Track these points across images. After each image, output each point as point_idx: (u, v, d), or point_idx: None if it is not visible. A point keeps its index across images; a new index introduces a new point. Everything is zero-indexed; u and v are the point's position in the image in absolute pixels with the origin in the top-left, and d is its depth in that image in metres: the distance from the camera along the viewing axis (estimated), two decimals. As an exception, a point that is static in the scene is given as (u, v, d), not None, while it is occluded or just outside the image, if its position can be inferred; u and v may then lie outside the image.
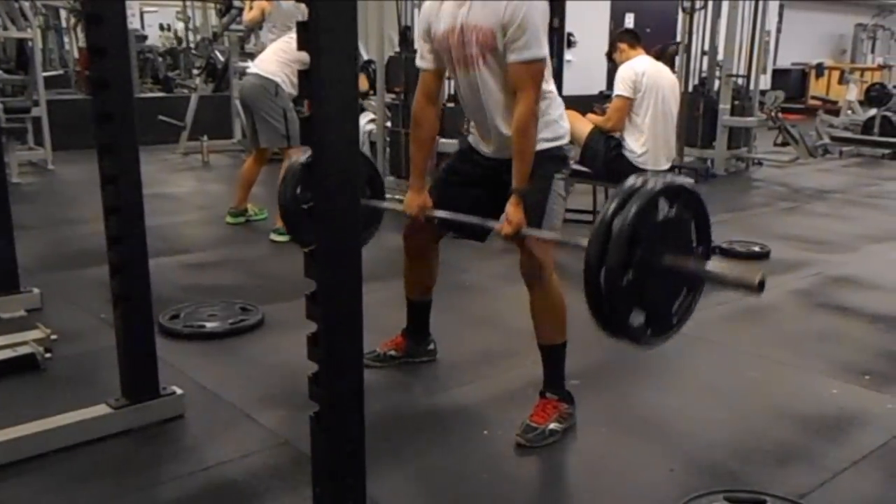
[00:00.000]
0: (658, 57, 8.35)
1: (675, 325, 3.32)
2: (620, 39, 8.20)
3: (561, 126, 4.42)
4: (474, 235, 4.68)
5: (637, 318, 3.18)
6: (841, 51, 30.86)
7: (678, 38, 13.71)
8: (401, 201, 4.68)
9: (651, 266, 3.11)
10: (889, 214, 10.55)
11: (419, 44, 4.52)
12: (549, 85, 4.33)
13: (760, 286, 3.03)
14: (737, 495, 3.72)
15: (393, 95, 9.67)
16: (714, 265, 3.27)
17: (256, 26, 11.07)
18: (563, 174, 4.40)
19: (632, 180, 3.20)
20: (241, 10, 12.17)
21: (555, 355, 4.40)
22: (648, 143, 7.52)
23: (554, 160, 4.33)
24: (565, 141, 4.43)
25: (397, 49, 9.88)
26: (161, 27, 20.77)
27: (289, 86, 7.90)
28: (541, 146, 4.21)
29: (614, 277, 3.07)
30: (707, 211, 3.33)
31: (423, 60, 4.49)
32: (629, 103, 7.68)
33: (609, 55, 8.35)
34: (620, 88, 7.72)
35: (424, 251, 4.85)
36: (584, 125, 7.94)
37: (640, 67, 7.67)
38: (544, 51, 4.06)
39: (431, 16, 4.34)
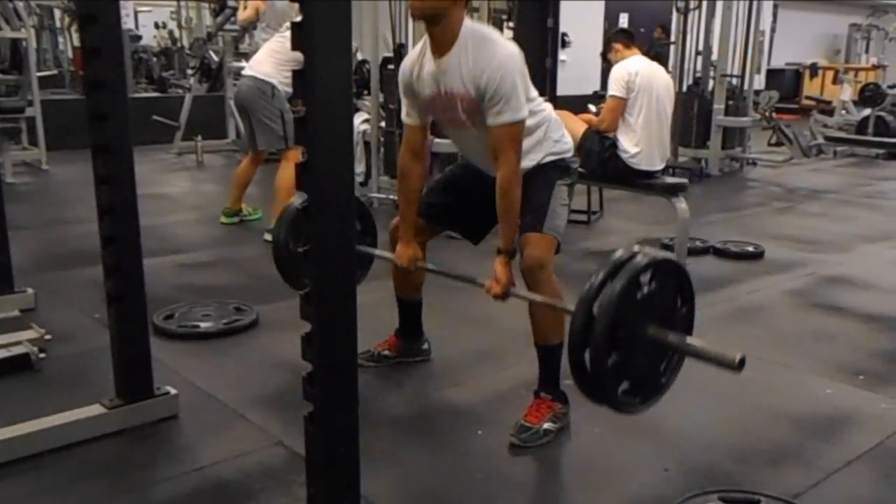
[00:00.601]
0: (646, 54, 8.33)
1: (664, 384, 3.35)
2: (615, 39, 8.20)
3: (563, 143, 4.50)
4: (470, 236, 4.70)
5: (625, 387, 3.21)
6: (835, 51, 30.92)
7: (672, 38, 13.73)
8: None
9: (635, 343, 3.15)
10: (883, 214, 10.57)
11: (402, 100, 4.54)
12: (543, 113, 4.41)
13: (740, 364, 3.05)
14: (731, 495, 3.73)
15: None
16: (696, 341, 3.27)
17: (251, 26, 11.07)
18: (566, 181, 4.44)
19: (618, 254, 3.22)
20: (235, 9, 12.18)
21: (551, 355, 4.40)
22: (642, 143, 7.51)
23: (557, 169, 4.41)
24: (569, 154, 4.50)
25: (390, 53, 9.90)
26: (156, 25, 20.74)
27: (285, 87, 7.88)
28: (545, 160, 4.33)
29: (599, 359, 3.10)
30: (691, 284, 3.34)
31: (409, 117, 4.51)
32: (623, 103, 7.67)
33: (604, 55, 8.35)
34: (614, 89, 7.71)
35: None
36: (579, 125, 7.93)
37: (633, 67, 7.66)
38: (522, 113, 4.07)
39: (412, 77, 4.34)
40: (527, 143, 4.20)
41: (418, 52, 4.31)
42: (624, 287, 3.07)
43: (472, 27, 4.10)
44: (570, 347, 3.16)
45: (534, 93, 4.31)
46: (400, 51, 9.67)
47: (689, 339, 3.24)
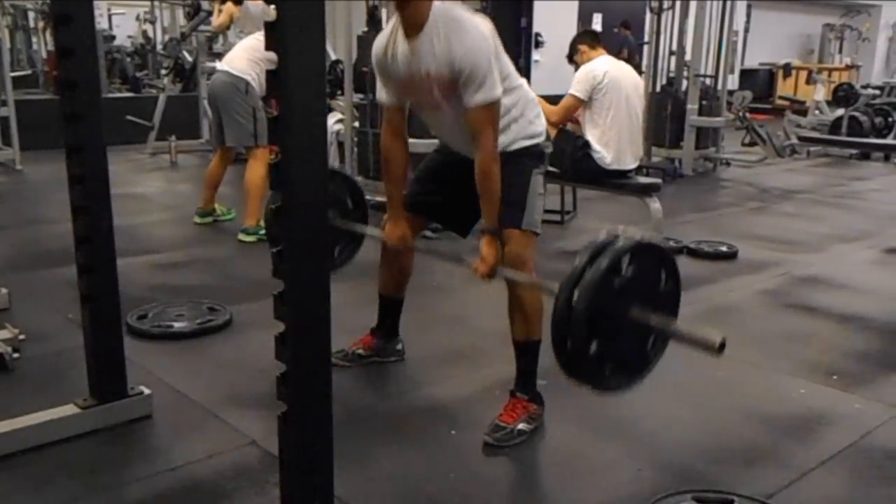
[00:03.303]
0: (619, 54, 8.32)
1: (649, 363, 3.36)
2: (580, 41, 8.18)
3: (538, 125, 4.46)
4: (457, 229, 4.71)
5: (609, 367, 3.22)
6: (808, 51, 31.06)
7: (646, 38, 13.76)
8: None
9: (618, 325, 3.15)
10: (856, 214, 10.61)
11: (378, 81, 4.54)
12: (520, 91, 4.38)
13: (721, 347, 3.06)
14: (705, 495, 3.74)
15: (361, 95, 9.66)
16: (678, 324, 3.28)
17: (225, 30, 11.07)
18: (541, 169, 4.44)
19: (602, 238, 3.23)
20: (209, 12, 12.16)
21: (529, 353, 4.41)
22: (613, 143, 7.51)
23: (531, 156, 4.39)
24: (542, 138, 4.47)
25: (365, 29, 9.89)
26: (138, 18, 20.68)
27: (258, 84, 7.86)
28: (518, 145, 4.30)
29: (582, 340, 3.10)
30: (676, 266, 3.34)
31: (385, 96, 4.51)
32: (579, 104, 7.67)
33: (570, 58, 8.31)
34: (575, 88, 7.69)
35: (405, 247, 4.86)
36: (550, 128, 7.94)
37: (601, 68, 7.65)
38: (497, 91, 4.06)
39: (386, 58, 4.32)
40: (502, 121, 4.20)
41: (389, 31, 4.30)
42: (606, 269, 3.08)
43: (443, 8, 4.09)
44: (553, 328, 3.16)
45: (509, 67, 4.29)
46: (374, 12, 9.69)
47: (671, 323, 3.25)
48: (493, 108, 4.06)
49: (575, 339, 3.11)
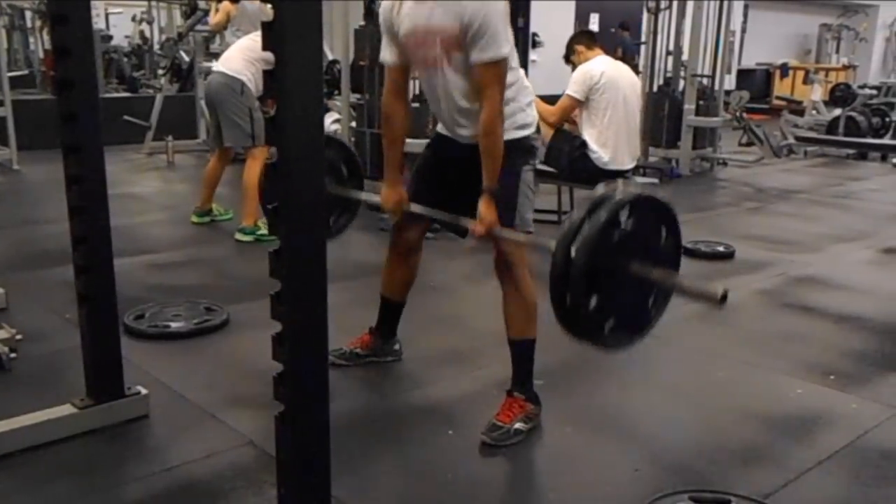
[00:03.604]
0: (613, 53, 8.33)
1: (651, 319, 3.35)
2: (577, 42, 8.18)
3: (529, 114, 4.42)
4: (456, 229, 4.71)
5: (610, 324, 3.22)
6: (805, 51, 31.06)
7: (643, 38, 13.76)
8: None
9: (618, 280, 3.15)
10: (853, 214, 10.62)
11: (383, 39, 4.51)
12: (517, 73, 4.34)
13: (723, 299, 3.05)
14: (702, 495, 3.74)
15: (358, 95, 9.66)
16: (679, 276, 3.28)
17: (222, 29, 11.06)
18: (532, 165, 4.42)
19: (600, 189, 3.22)
20: (206, 11, 12.15)
21: (524, 351, 4.42)
22: (610, 142, 7.52)
23: (521, 151, 4.34)
24: (532, 130, 4.43)
25: (362, 23, 9.88)
26: (133, 18, 20.65)
27: (254, 85, 7.86)
28: (508, 136, 4.21)
29: (580, 299, 3.10)
30: (677, 219, 3.34)
31: (389, 56, 4.48)
32: (576, 104, 7.68)
33: (567, 58, 8.31)
34: (572, 89, 7.70)
35: (412, 249, 4.88)
36: (547, 128, 7.94)
37: (597, 68, 7.66)
38: (506, 49, 4.06)
39: (392, 13, 4.33)
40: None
41: None
42: (604, 224, 3.07)
43: None
44: (551, 286, 3.16)
45: (512, 42, 4.24)
46: (371, 5, 9.67)
47: (672, 276, 3.24)
48: (500, 65, 4.06)
49: (574, 293, 3.11)
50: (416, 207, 4.54)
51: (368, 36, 9.36)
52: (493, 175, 4.12)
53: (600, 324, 3.21)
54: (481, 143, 4.11)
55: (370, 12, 9.65)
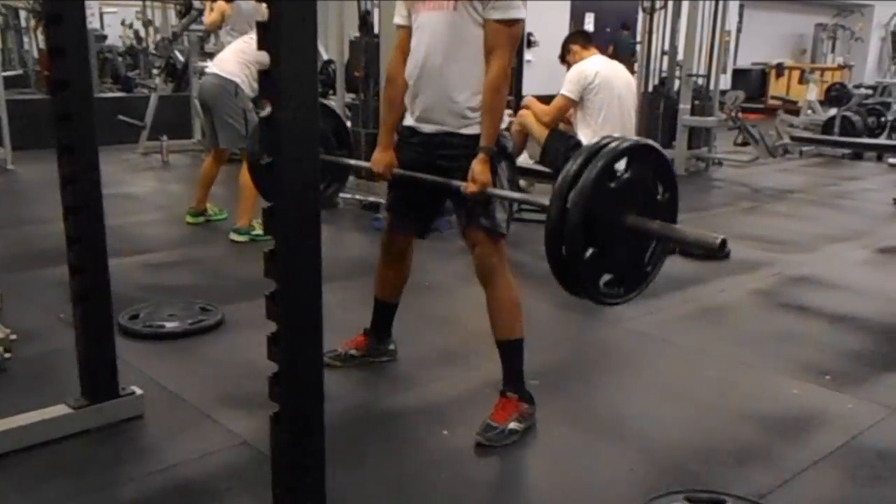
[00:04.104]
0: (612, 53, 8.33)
1: (648, 273, 3.35)
2: (572, 41, 8.17)
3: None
4: (417, 228, 4.72)
5: (606, 278, 3.21)
6: (801, 51, 31.08)
7: (638, 38, 13.76)
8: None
9: (613, 232, 3.14)
10: (849, 214, 10.64)
11: (398, 2, 4.50)
12: None
13: (722, 246, 3.05)
14: (697, 495, 3.73)
15: (353, 95, 9.66)
16: (677, 227, 3.27)
17: (217, 28, 11.06)
18: (504, 165, 4.32)
19: (594, 140, 3.22)
20: (200, 11, 12.14)
21: (511, 351, 4.41)
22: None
23: (496, 151, 4.24)
24: (503, 126, 4.34)
25: (357, 34, 9.89)
26: (123, 23, 20.65)
27: (248, 86, 7.86)
28: (476, 130, 4.21)
29: (576, 249, 3.09)
30: (672, 170, 3.34)
31: (400, 17, 4.48)
32: (570, 104, 7.68)
33: (562, 58, 8.30)
34: (566, 88, 7.70)
35: (403, 253, 4.86)
36: (542, 128, 7.94)
37: (592, 68, 7.66)
38: (520, 13, 4.07)
39: None
40: (475, 84, 4.18)
41: None
42: (599, 174, 3.06)
43: None
44: (546, 240, 3.16)
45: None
46: (366, 17, 9.70)
47: (669, 225, 3.24)
48: (513, 28, 4.07)
49: (569, 245, 3.10)
50: (403, 171, 4.52)
51: (363, 47, 9.37)
52: (492, 133, 4.13)
53: (595, 278, 3.20)
54: (484, 100, 4.12)
55: (365, 23, 9.67)
